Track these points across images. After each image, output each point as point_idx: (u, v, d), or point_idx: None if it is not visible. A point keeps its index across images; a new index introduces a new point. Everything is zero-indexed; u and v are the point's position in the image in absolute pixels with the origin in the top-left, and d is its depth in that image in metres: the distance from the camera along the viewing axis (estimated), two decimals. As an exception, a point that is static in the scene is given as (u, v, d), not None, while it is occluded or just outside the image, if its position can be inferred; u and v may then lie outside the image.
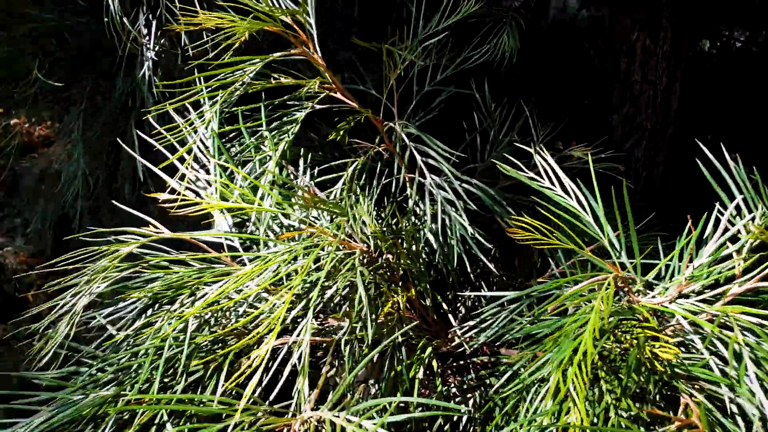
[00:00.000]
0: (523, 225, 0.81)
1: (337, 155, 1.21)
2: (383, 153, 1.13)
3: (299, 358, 0.80)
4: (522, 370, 0.98)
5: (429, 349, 0.95)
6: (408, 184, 1.08)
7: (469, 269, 1.01)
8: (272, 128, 0.94)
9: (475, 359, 1.04)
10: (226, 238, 0.98)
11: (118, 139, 1.06)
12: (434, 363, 0.95)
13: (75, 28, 1.12)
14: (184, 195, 0.93)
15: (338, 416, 0.61)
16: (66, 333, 0.80)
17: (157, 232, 0.92)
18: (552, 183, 0.87)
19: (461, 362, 1.04)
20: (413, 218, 1.07)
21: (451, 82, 1.24)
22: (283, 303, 0.75)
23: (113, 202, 0.97)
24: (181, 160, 1.02)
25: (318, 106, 1.01)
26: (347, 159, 1.13)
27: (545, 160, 0.87)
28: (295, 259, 0.85)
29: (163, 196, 0.85)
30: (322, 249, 0.85)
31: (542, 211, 0.94)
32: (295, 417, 0.77)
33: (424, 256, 1.04)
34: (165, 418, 0.72)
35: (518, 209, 1.15)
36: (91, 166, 1.14)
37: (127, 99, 1.10)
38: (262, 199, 0.94)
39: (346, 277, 0.82)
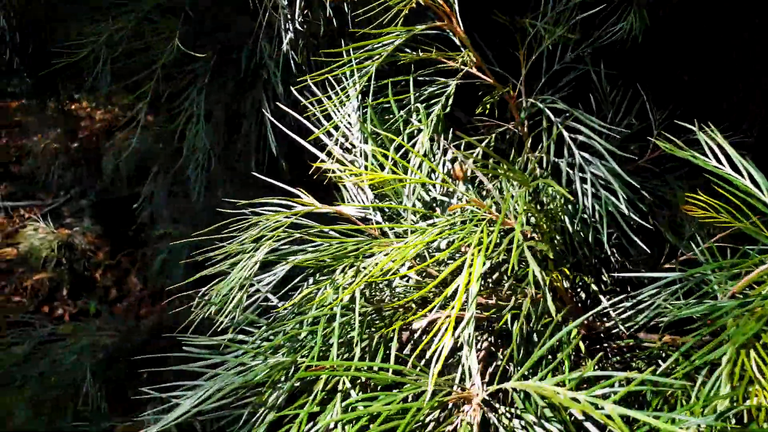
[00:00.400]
0: (699, 203, 0.79)
1: (457, 134, 1.19)
2: (513, 130, 1.11)
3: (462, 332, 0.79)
4: (670, 353, 0.96)
5: (574, 331, 0.93)
6: (540, 162, 1.06)
7: (609, 252, 0.98)
8: (420, 101, 0.93)
9: (611, 343, 1.02)
10: (369, 212, 0.97)
11: (258, 112, 1.05)
12: (581, 344, 0.93)
13: (196, 3, 1.12)
14: (339, 165, 0.93)
15: (555, 387, 0.60)
16: (238, 299, 0.79)
17: (304, 204, 0.92)
18: (720, 162, 0.84)
19: (597, 346, 1.02)
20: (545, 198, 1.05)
21: (572, 62, 1.21)
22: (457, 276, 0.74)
23: (255, 174, 0.97)
24: (321, 134, 1.01)
25: (452, 81, 0.99)
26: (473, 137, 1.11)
27: (713, 139, 0.85)
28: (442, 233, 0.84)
29: (326, 165, 0.84)
30: (479, 224, 0.83)
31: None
32: (461, 390, 0.76)
33: (558, 237, 1.02)
34: (348, 385, 0.71)
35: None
36: (212, 142, 1.15)
37: (256, 71, 1.09)
38: (404, 171, 0.93)
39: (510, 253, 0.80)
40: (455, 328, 0.86)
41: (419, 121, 0.91)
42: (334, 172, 1.06)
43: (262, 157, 1.12)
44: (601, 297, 0.94)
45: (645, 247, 0.94)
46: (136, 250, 2.84)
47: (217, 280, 0.87)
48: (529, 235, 0.94)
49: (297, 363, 0.76)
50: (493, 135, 1.07)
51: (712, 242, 1.05)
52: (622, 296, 0.95)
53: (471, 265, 0.78)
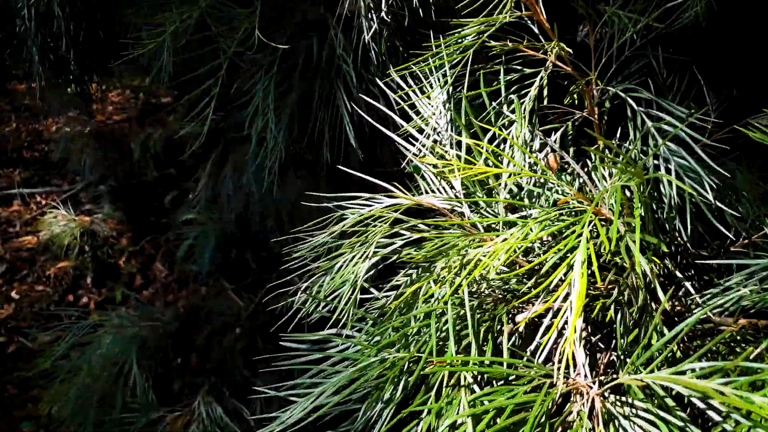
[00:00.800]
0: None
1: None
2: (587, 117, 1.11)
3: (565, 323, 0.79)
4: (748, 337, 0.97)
5: (658, 316, 0.95)
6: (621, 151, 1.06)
7: (685, 239, 0.99)
8: (512, 92, 0.93)
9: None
10: (455, 204, 0.97)
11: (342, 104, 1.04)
12: (665, 329, 0.94)
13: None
14: (429, 157, 0.92)
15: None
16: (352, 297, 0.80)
17: (393, 197, 0.92)
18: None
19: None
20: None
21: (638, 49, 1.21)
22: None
23: (340, 167, 0.96)
24: (408, 126, 1.00)
25: (543, 71, 0.99)
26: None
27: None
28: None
29: (431, 160, 0.84)
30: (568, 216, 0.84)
31: None
32: (564, 380, 0.77)
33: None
34: (470, 380, 0.72)
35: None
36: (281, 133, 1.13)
37: (330, 61, 1.08)
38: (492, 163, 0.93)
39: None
40: (555, 318, 0.87)
41: (512, 112, 0.91)
42: (410, 162, 1.06)
43: (335, 149, 1.11)
44: (687, 284, 0.95)
45: (730, 235, 0.95)
46: (160, 235, 2.82)
47: (320, 272, 0.87)
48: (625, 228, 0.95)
49: (411, 358, 0.76)
50: (569, 123, 1.07)
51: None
52: (707, 282, 0.96)
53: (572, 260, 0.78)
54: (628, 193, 0.98)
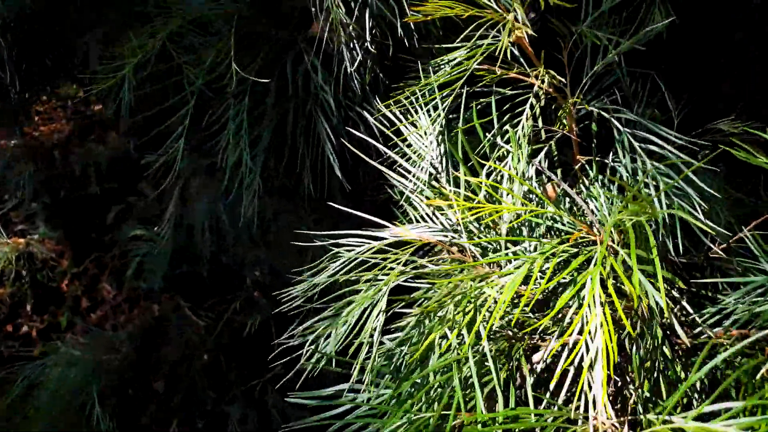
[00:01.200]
0: None
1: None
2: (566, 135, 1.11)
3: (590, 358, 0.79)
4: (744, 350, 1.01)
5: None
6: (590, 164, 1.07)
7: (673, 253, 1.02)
8: (504, 122, 0.91)
9: (676, 340, 1.06)
10: (451, 236, 0.95)
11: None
12: (666, 350, 0.96)
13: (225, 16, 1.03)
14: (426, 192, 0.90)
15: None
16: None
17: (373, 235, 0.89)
18: None
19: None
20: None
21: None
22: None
23: (330, 203, 0.92)
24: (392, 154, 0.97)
25: (537, 102, 0.97)
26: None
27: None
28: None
29: (437, 202, 0.81)
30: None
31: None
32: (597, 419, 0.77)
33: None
34: (501, 436, 0.71)
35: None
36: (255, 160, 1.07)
37: (306, 87, 1.02)
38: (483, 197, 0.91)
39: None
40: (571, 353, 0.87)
41: (506, 142, 0.90)
42: (397, 189, 1.03)
43: (318, 177, 1.06)
44: (685, 305, 0.97)
45: (707, 241, 0.98)
46: (104, 254, 2.67)
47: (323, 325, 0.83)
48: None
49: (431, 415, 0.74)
50: (551, 143, 1.06)
51: (751, 228, 1.11)
52: (694, 294, 0.99)
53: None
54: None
